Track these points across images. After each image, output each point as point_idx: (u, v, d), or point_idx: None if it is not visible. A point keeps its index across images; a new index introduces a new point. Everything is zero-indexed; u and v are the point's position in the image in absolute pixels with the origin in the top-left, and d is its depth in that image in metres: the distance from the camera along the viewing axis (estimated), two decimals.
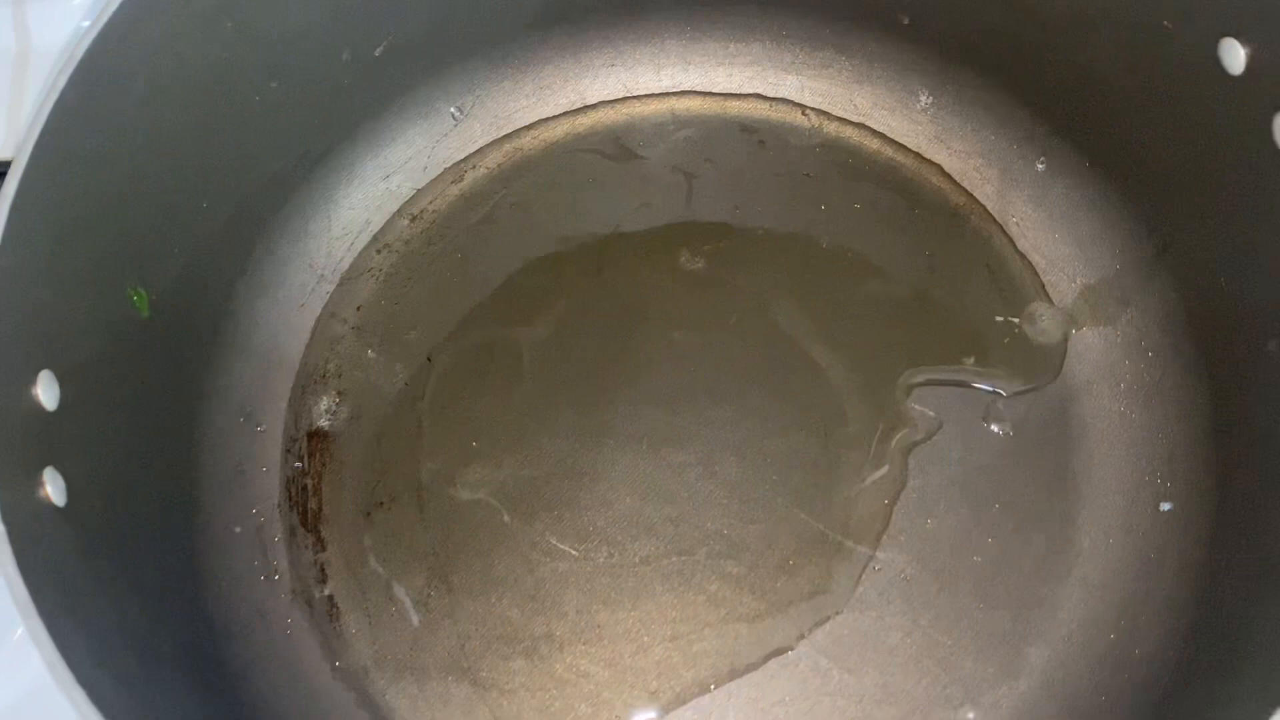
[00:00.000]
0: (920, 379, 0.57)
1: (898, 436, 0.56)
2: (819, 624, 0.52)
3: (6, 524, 0.36)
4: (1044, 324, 0.57)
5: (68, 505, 0.41)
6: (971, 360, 0.56)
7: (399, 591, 0.54)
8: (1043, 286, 0.58)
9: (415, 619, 0.53)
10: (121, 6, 0.43)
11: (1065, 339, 0.56)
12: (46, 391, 0.41)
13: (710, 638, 0.52)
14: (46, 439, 0.41)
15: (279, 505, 0.56)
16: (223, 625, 0.50)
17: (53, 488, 0.40)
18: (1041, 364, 0.56)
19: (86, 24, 0.43)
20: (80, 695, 0.33)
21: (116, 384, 0.46)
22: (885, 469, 0.55)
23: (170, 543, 0.49)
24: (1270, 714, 0.37)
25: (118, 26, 0.43)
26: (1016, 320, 0.57)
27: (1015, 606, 0.52)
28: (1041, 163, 0.59)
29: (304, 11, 0.52)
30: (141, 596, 0.44)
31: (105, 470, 0.44)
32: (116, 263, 0.46)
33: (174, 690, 0.42)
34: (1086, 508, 0.54)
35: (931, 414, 0.56)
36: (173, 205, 0.50)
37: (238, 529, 0.54)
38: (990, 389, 0.56)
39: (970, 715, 0.51)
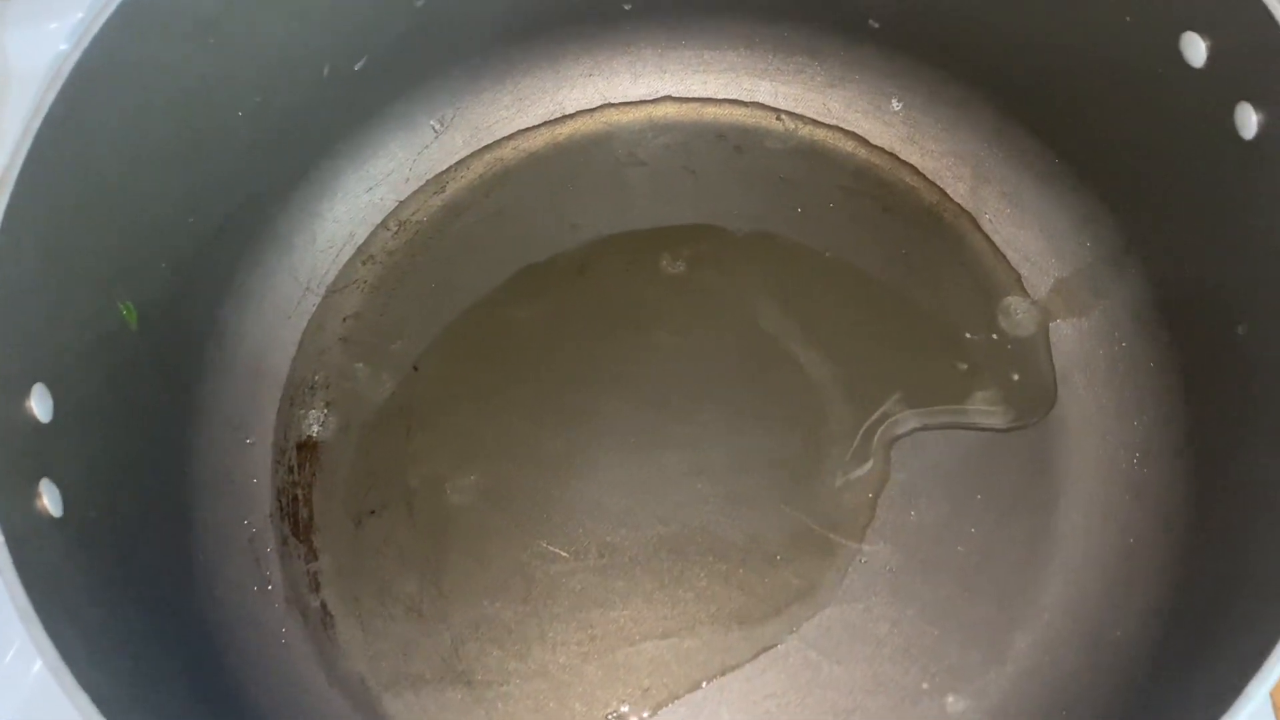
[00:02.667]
0: (901, 376, 0.58)
1: (879, 432, 0.57)
2: (808, 618, 0.53)
3: (6, 534, 0.36)
4: (1020, 317, 0.59)
5: (64, 516, 0.41)
6: (950, 355, 0.57)
7: (392, 598, 0.54)
8: (1018, 280, 0.59)
9: (408, 625, 0.54)
10: (106, 25, 0.44)
11: (1042, 331, 0.58)
12: (40, 404, 0.42)
13: (701, 634, 0.53)
14: (41, 451, 0.41)
15: (270, 515, 0.56)
16: (219, 635, 0.50)
17: (49, 499, 0.40)
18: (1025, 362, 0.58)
19: (65, 48, 0.43)
20: (84, 699, 0.34)
21: (108, 396, 0.47)
22: (868, 464, 0.56)
23: (165, 553, 0.49)
24: (1243, 689, 0.38)
25: (103, 44, 0.44)
26: (994, 319, 0.58)
27: (999, 594, 0.53)
28: (1011, 160, 0.60)
29: (284, 28, 0.53)
30: (139, 606, 0.44)
31: (99, 481, 0.45)
32: (106, 276, 0.47)
33: (175, 697, 0.42)
34: (1065, 496, 0.55)
35: (912, 410, 0.57)
36: (159, 219, 0.50)
37: (230, 539, 0.54)
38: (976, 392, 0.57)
39: (958, 702, 0.52)
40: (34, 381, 0.42)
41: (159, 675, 0.42)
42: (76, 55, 0.43)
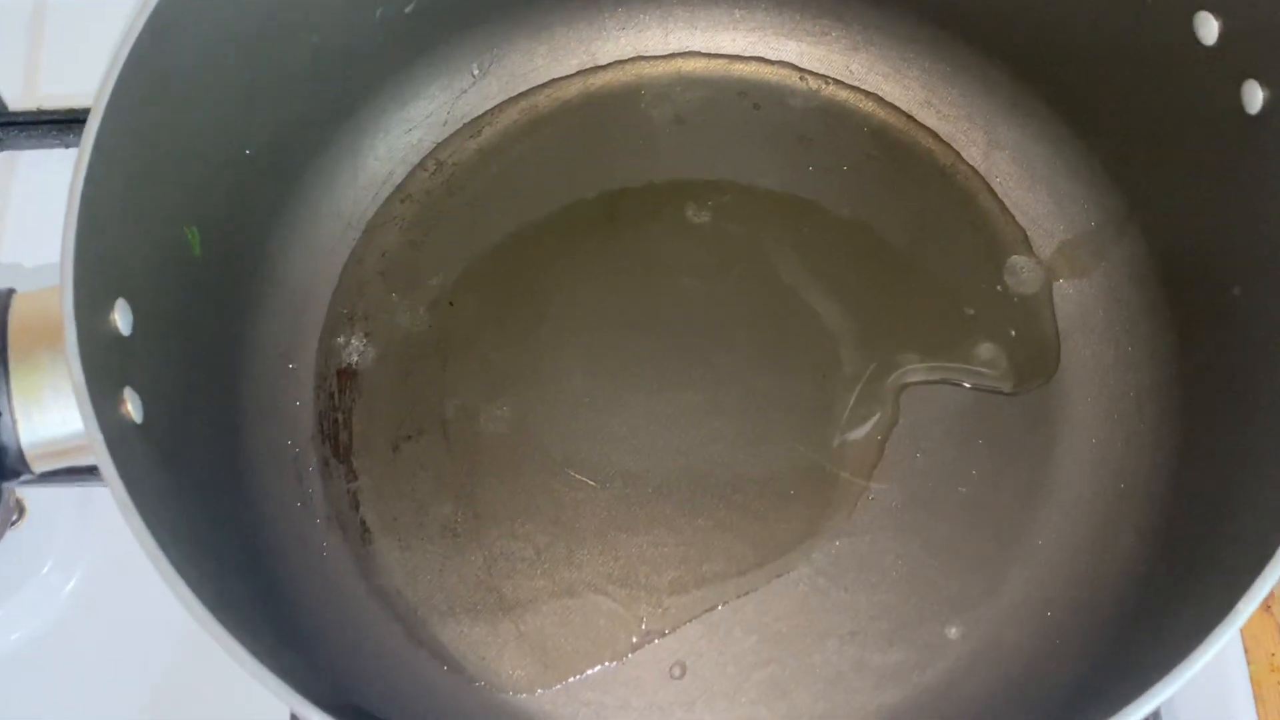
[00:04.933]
0: (911, 328, 0.61)
1: (889, 379, 0.60)
2: (818, 548, 0.57)
3: (105, 435, 0.39)
4: (1025, 275, 0.62)
5: (143, 423, 0.44)
6: (959, 310, 0.61)
7: (428, 518, 0.58)
8: (1025, 240, 0.63)
9: (444, 543, 0.57)
10: None
11: (1046, 290, 0.61)
12: (122, 317, 0.44)
13: (718, 560, 0.57)
14: (123, 361, 0.44)
15: (312, 438, 0.59)
16: (267, 547, 0.53)
17: (132, 405, 0.43)
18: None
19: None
20: (181, 585, 0.37)
21: (174, 317, 0.50)
22: (877, 409, 0.60)
23: (222, 467, 0.52)
24: (1222, 620, 0.42)
25: None
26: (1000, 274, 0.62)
27: (997, 532, 0.57)
28: (1024, 127, 0.64)
29: None
30: (205, 513, 0.47)
31: (167, 396, 0.47)
32: (175, 202, 0.50)
33: (238, 595, 0.45)
34: (1061, 444, 0.58)
35: (920, 360, 0.60)
36: (222, 150, 0.53)
37: (275, 458, 0.57)
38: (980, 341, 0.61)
39: (956, 630, 0.56)
40: (117, 296, 0.44)
41: (226, 573, 0.45)
42: None
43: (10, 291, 0.45)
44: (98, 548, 0.60)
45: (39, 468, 0.43)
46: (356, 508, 0.58)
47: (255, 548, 0.53)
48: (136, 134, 0.46)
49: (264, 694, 0.54)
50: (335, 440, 0.59)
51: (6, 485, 0.43)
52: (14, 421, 0.42)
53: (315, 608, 0.54)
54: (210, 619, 0.37)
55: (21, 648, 0.58)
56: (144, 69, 0.45)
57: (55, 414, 0.42)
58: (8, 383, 0.42)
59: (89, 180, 0.42)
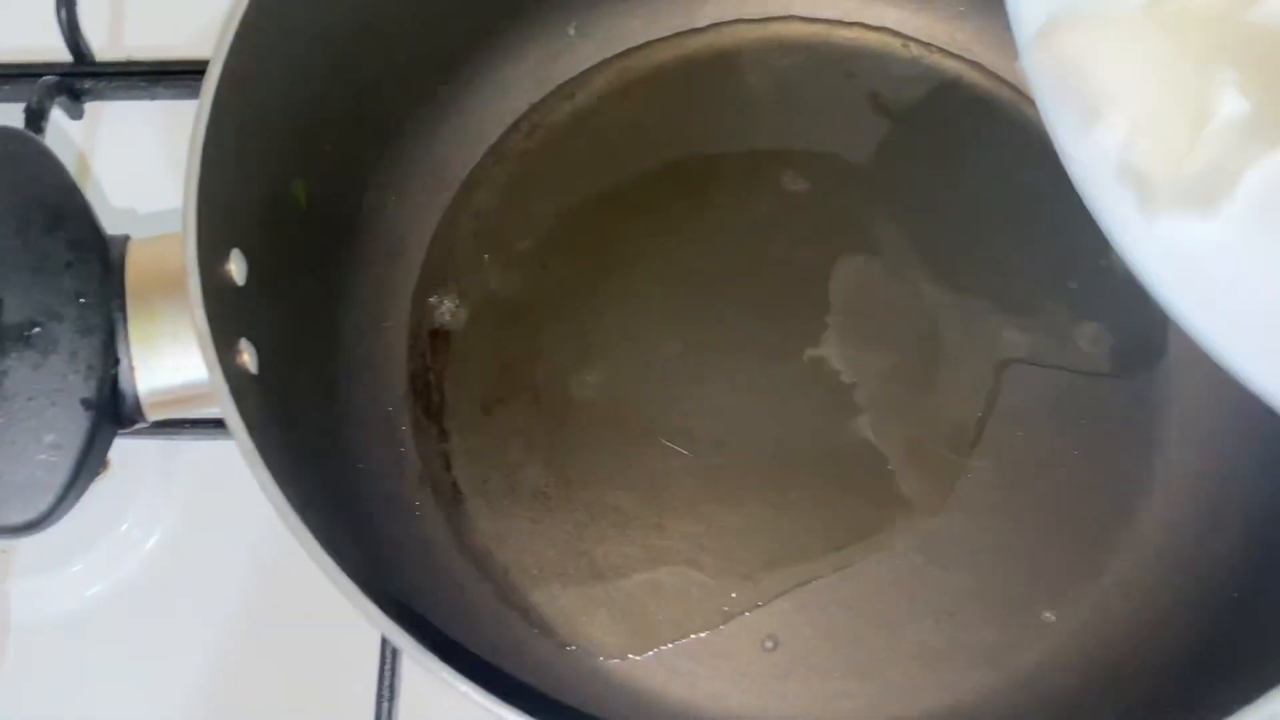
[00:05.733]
0: (1014, 304, 0.60)
1: (990, 354, 0.59)
2: (915, 525, 0.56)
3: (229, 383, 0.39)
4: None
5: (259, 374, 0.44)
6: (1068, 284, 0.60)
7: (519, 481, 0.57)
8: None
9: (534, 507, 0.57)
10: None
11: None
12: (237, 267, 0.44)
13: (812, 534, 0.56)
14: (239, 311, 0.44)
15: (405, 397, 0.59)
16: (366, 502, 0.53)
17: (248, 355, 0.43)
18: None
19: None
20: (309, 538, 0.37)
21: (281, 269, 0.49)
22: (978, 384, 0.59)
23: (323, 422, 0.52)
24: None
25: None
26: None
27: (1097, 515, 0.56)
28: None
29: None
30: (312, 465, 0.47)
31: (278, 347, 0.47)
32: (285, 154, 0.49)
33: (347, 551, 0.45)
34: (1168, 427, 0.57)
35: (1024, 337, 0.59)
36: (329, 104, 0.52)
37: (370, 416, 0.57)
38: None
39: (1051, 613, 0.55)
40: (232, 246, 0.44)
41: (334, 526, 0.45)
42: None
43: (126, 238, 0.44)
44: (179, 505, 0.60)
45: (152, 416, 0.43)
46: (448, 468, 0.58)
47: (353, 504, 0.53)
48: (252, 84, 0.45)
49: (346, 658, 0.54)
50: (427, 400, 0.59)
51: (120, 434, 0.43)
52: (132, 369, 0.42)
53: (409, 566, 0.54)
54: (340, 574, 0.36)
55: (99, 603, 0.58)
56: (260, 21, 0.45)
57: (172, 361, 0.42)
58: (126, 330, 0.42)
59: (210, 131, 0.42)
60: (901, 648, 0.54)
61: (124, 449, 0.61)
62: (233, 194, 0.45)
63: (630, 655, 0.54)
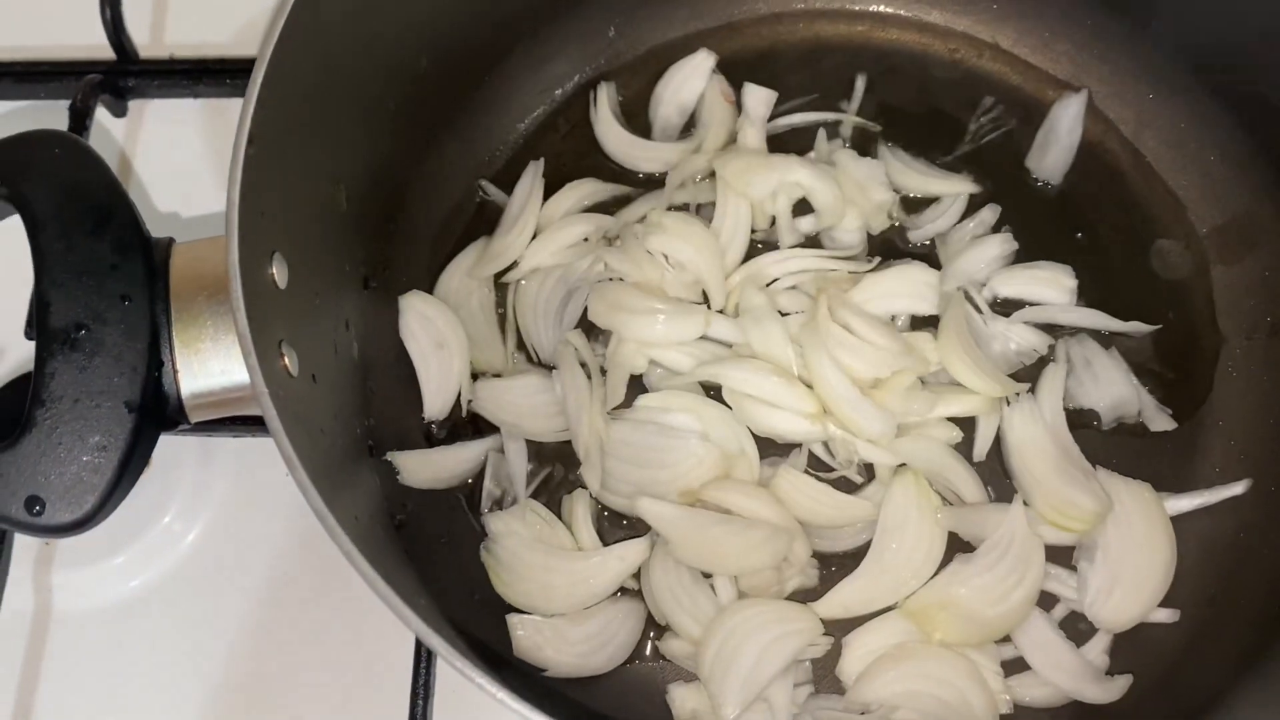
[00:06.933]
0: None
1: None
2: None
3: (269, 387, 0.39)
4: (1173, 259, 0.60)
5: (297, 376, 0.44)
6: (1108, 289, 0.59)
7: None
8: (1176, 222, 0.61)
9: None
10: None
11: (1201, 273, 0.60)
12: (279, 271, 0.44)
13: None
14: (280, 315, 0.44)
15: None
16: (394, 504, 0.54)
17: (289, 359, 0.43)
18: None
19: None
20: (339, 532, 0.37)
21: (319, 272, 0.50)
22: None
23: (355, 425, 0.52)
24: None
25: None
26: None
27: None
28: (1175, 104, 0.61)
29: None
30: (343, 471, 0.47)
31: (314, 350, 0.48)
32: (325, 158, 0.50)
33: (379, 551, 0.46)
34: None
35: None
36: (368, 107, 0.53)
37: (399, 420, 0.57)
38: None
39: None
40: (273, 250, 0.44)
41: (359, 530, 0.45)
42: None
43: (170, 241, 0.45)
44: (218, 501, 0.60)
45: (195, 418, 0.44)
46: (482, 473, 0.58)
47: (380, 507, 0.53)
48: (292, 91, 0.46)
49: (381, 648, 0.54)
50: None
51: (163, 436, 0.44)
52: (175, 371, 0.42)
53: (434, 563, 0.54)
54: (376, 577, 0.37)
55: (141, 594, 0.59)
56: (304, 20, 0.45)
57: (215, 364, 0.43)
58: (170, 333, 0.42)
59: (255, 134, 0.42)
60: None
61: (165, 444, 0.62)
62: (274, 197, 0.45)
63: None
